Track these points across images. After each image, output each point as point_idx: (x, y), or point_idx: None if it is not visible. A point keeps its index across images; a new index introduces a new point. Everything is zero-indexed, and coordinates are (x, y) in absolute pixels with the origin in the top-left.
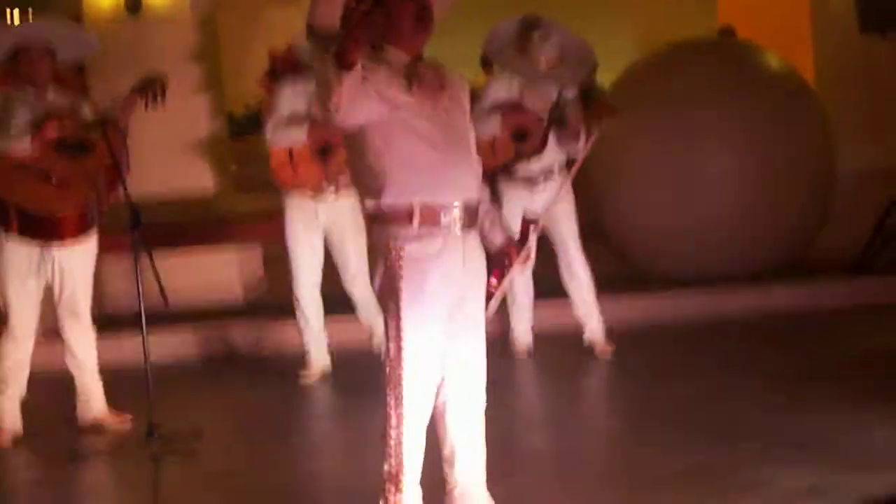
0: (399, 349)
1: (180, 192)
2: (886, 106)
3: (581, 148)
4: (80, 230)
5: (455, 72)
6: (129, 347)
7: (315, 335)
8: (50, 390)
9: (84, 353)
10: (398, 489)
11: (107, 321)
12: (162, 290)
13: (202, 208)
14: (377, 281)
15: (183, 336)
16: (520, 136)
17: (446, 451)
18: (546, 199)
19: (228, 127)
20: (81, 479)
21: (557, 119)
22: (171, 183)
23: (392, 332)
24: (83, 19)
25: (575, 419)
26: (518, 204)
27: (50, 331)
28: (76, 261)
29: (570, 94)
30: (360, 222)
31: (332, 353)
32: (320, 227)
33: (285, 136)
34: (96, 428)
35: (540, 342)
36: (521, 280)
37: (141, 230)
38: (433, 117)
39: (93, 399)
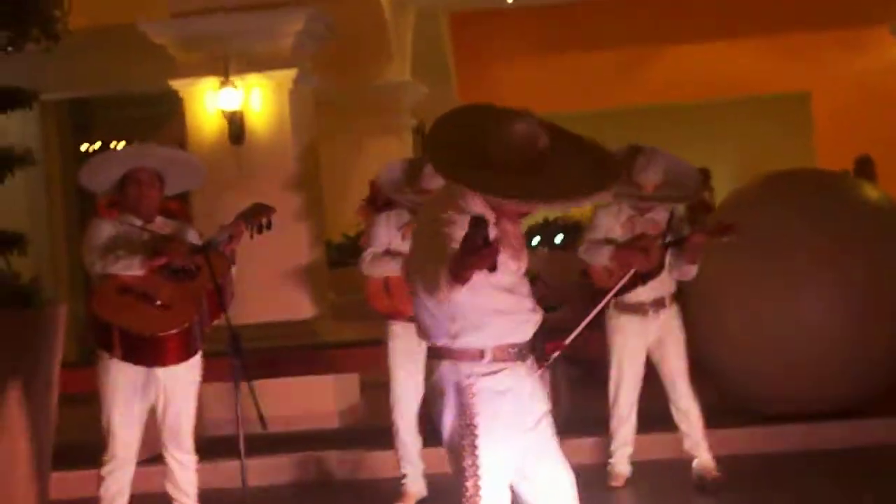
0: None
1: (280, 318)
2: None
3: (695, 273)
4: (183, 352)
5: None
6: (226, 472)
7: (413, 462)
8: None
9: (185, 478)
10: None
11: (207, 445)
12: (261, 415)
13: (301, 335)
14: (447, 419)
15: (279, 462)
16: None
17: None
18: (658, 329)
19: (327, 255)
20: None
21: (678, 240)
22: (271, 310)
23: (469, 470)
24: (187, 147)
25: None
26: (629, 334)
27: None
28: (180, 383)
29: (679, 215)
30: None
31: (427, 482)
32: (421, 354)
33: (381, 267)
34: None
35: (639, 472)
36: (626, 409)
37: (241, 356)
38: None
39: None
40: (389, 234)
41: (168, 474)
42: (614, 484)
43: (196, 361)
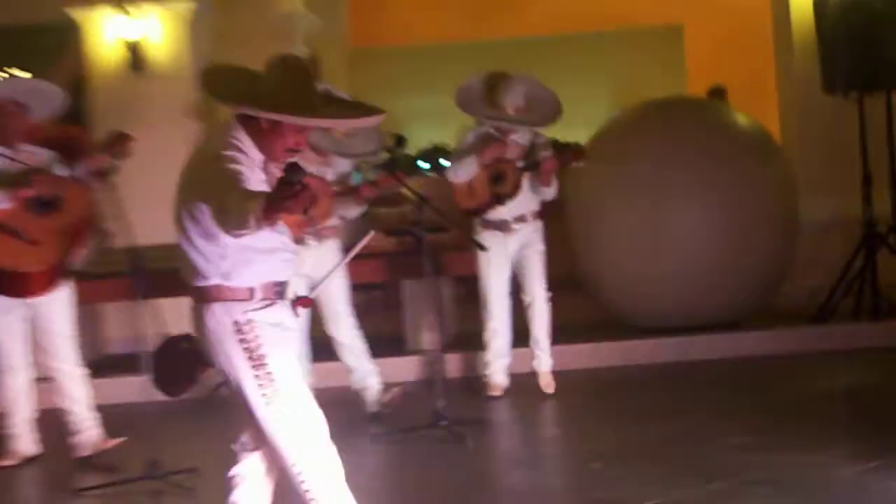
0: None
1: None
2: (846, 161)
3: (554, 193)
4: (49, 285)
5: None
6: (126, 387)
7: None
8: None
9: (74, 388)
10: None
11: (108, 362)
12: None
13: None
14: (233, 357)
15: None
16: (497, 178)
17: None
18: (519, 243)
19: None
20: None
21: (531, 164)
22: (171, 231)
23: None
24: (88, 77)
25: (555, 459)
26: (495, 247)
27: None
28: (53, 306)
29: (541, 141)
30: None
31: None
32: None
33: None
34: (96, 457)
35: (514, 384)
36: (502, 323)
37: (142, 276)
38: None
39: (88, 431)
40: None
41: (56, 388)
42: (491, 393)
43: (65, 286)
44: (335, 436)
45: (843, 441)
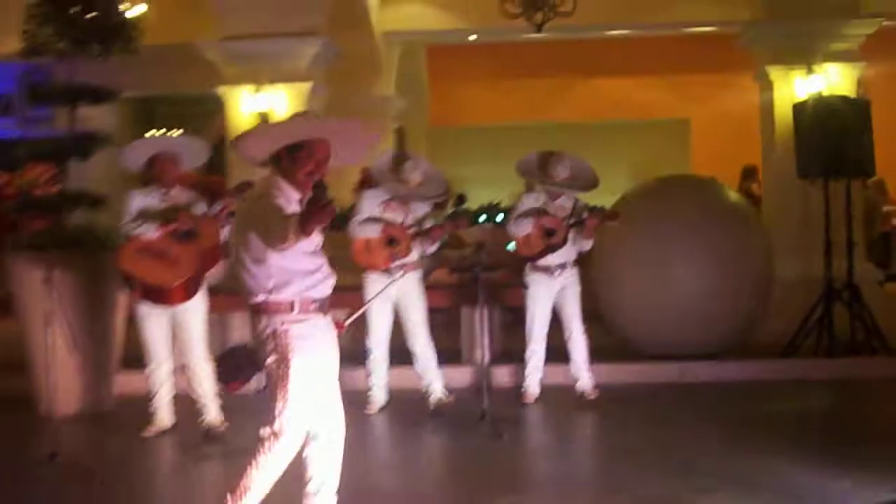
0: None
1: None
2: (813, 232)
3: (591, 245)
4: (185, 295)
5: None
6: None
7: (380, 377)
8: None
9: (204, 379)
10: None
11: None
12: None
13: None
14: (270, 359)
15: None
16: (549, 233)
17: None
18: (560, 285)
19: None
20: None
21: (578, 222)
22: None
23: (282, 392)
24: (228, 137)
25: (575, 452)
26: (541, 287)
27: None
28: (188, 313)
29: (581, 204)
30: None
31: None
32: (391, 297)
33: (364, 230)
34: (215, 431)
35: (545, 394)
36: (540, 346)
37: None
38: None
39: (211, 412)
40: (371, 207)
41: (189, 377)
42: (527, 401)
43: (199, 298)
44: (405, 426)
45: (801, 451)
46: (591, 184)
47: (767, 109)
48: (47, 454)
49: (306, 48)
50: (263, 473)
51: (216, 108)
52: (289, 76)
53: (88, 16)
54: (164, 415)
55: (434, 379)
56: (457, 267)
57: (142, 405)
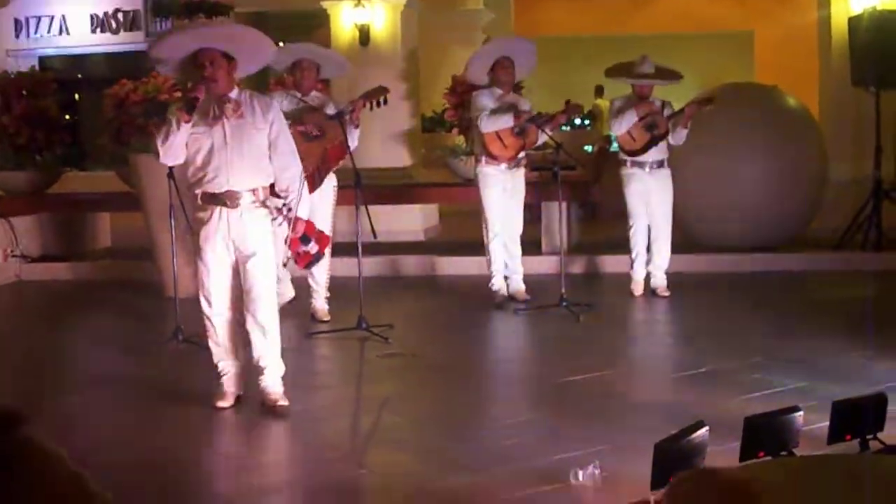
0: None
1: (388, 165)
2: (864, 137)
3: (685, 137)
4: (310, 187)
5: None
6: (348, 266)
7: (499, 263)
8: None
9: (319, 266)
10: None
11: (337, 248)
12: (373, 228)
13: (401, 177)
14: None
15: (384, 260)
16: (651, 126)
17: None
18: (655, 182)
19: (421, 124)
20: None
21: (677, 111)
22: (383, 158)
23: None
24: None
25: (640, 336)
26: (637, 182)
27: None
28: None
29: (667, 102)
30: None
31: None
32: (507, 188)
33: (498, 122)
34: (321, 317)
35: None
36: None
37: (362, 188)
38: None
39: (320, 299)
40: (490, 102)
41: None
42: (635, 292)
43: (327, 186)
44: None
45: (848, 334)
46: (677, 76)
47: (825, 22)
48: (172, 330)
49: None
50: None
51: (322, 21)
52: None
53: None
54: (285, 288)
55: (516, 267)
56: (538, 166)
57: None
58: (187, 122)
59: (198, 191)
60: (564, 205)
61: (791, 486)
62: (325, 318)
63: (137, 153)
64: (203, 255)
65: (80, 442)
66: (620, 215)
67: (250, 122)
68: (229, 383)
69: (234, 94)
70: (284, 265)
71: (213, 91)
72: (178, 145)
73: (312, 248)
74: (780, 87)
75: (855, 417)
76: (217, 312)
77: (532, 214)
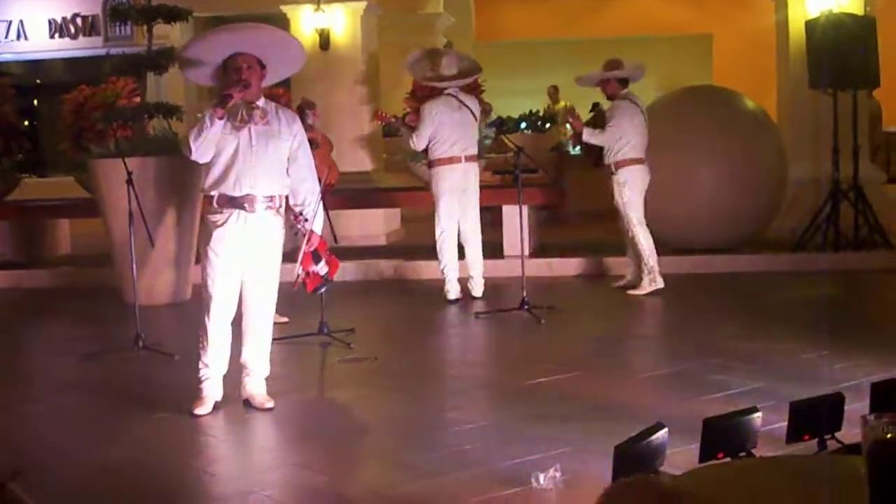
0: None
1: (350, 169)
2: (822, 137)
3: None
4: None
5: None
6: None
7: (451, 265)
8: None
9: None
10: None
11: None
12: (333, 233)
13: (364, 181)
14: None
15: (346, 265)
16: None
17: None
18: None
19: (382, 129)
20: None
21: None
22: (344, 163)
23: None
24: None
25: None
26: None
27: None
28: None
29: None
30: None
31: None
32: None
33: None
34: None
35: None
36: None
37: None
38: None
39: None
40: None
41: None
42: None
43: None
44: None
45: (806, 334)
46: (639, 74)
47: (783, 26)
48: (132, 338)
49: None
50: None
51: (282, 26)
52: None
53: None
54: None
55: (478, 270)
56: (499, 169)
57: None
58: (221, 118)
59: (214, 193)
60: (525, 208)
61: (746, 487)
62: (282, 320)
63: (97, 159)
64: (211, 257)
65: (43, 450)
66: (584, 217)
67: (275, 130)
68: (209, 388)
69: (261, 102)
70: (294, 287)
71: (247, 95)
72: (210, 141)
73: (322, 268)
74: (738, 90)
75: (813, 417)
76: (216, 314)
77: (493, 218)
